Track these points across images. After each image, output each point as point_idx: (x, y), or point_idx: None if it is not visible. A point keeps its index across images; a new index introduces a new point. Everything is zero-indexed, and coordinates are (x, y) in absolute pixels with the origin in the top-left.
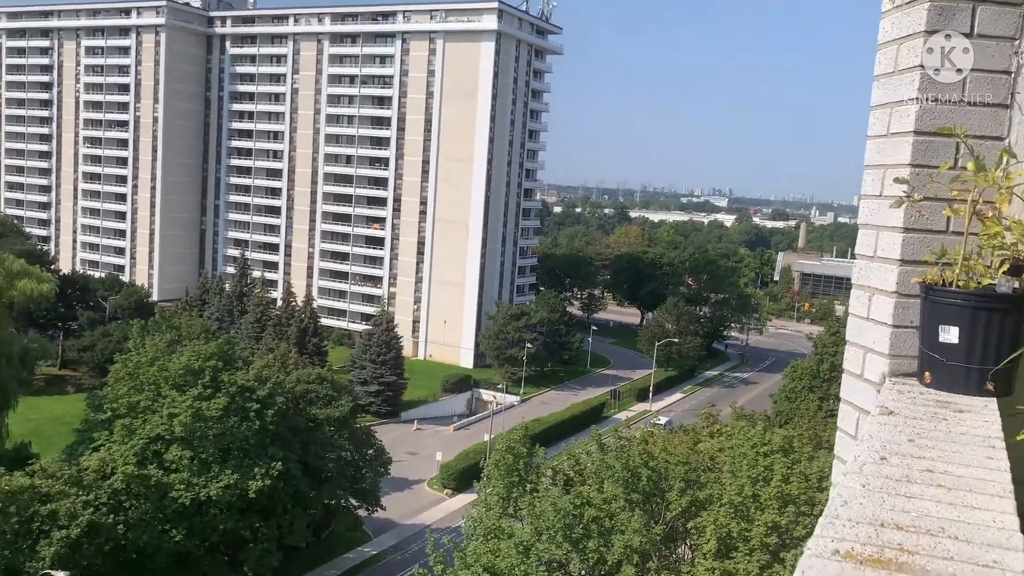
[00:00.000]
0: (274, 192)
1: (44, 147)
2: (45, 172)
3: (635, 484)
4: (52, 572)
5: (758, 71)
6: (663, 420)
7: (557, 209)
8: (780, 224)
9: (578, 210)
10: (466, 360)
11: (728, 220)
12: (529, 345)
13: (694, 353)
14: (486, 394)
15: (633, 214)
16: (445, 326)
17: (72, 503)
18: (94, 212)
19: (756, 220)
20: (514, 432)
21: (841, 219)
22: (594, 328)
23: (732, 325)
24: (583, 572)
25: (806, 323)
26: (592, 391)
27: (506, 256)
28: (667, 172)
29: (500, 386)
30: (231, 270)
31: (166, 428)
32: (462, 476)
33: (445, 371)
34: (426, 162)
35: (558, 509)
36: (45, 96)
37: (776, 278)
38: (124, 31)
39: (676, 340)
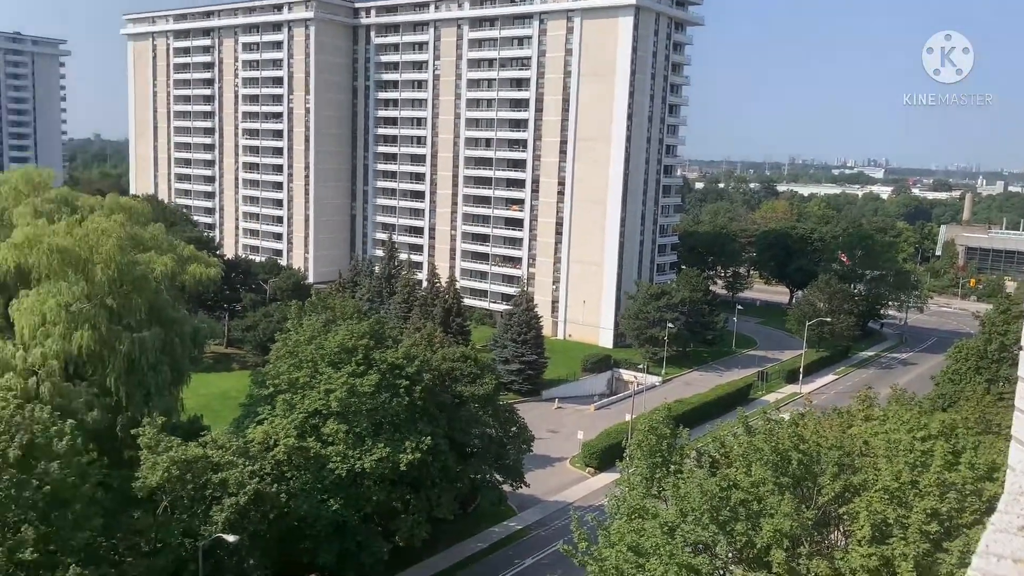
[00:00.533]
0: (418, 177)
1: (208, 140)
2: (209, 164)
3: (785, 468)
4: (224, 535)
5: (912, 32)
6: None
7: (699, 185)
8: (942, 195)
9: (721, 185)
10: (606, 340)
11: (884, 192)
12: (670, 325)
13: (847, 333)
14: (626, 374)
15: (780, 188)
16: (584, 306)
17: (240, 472)
18: (253, 200)
19: (915, 192)
20: (657, 412)
21: (1013, 188)
22: (739, 307)
23: (889, 303)
24: (730, 555)
25: (971, 300)
26: (737, 372)
27: (645, 235)
28: (817, 143)
29: (641, 366)
30: (380, 253)
31: (323, 403)
32: (604, 455)
33: (585, 351)
34: (564, 142)
35: (704, 491)
36: (208, 92)
37: (938, 253)
38: (277, 27)
39: (828, 319)
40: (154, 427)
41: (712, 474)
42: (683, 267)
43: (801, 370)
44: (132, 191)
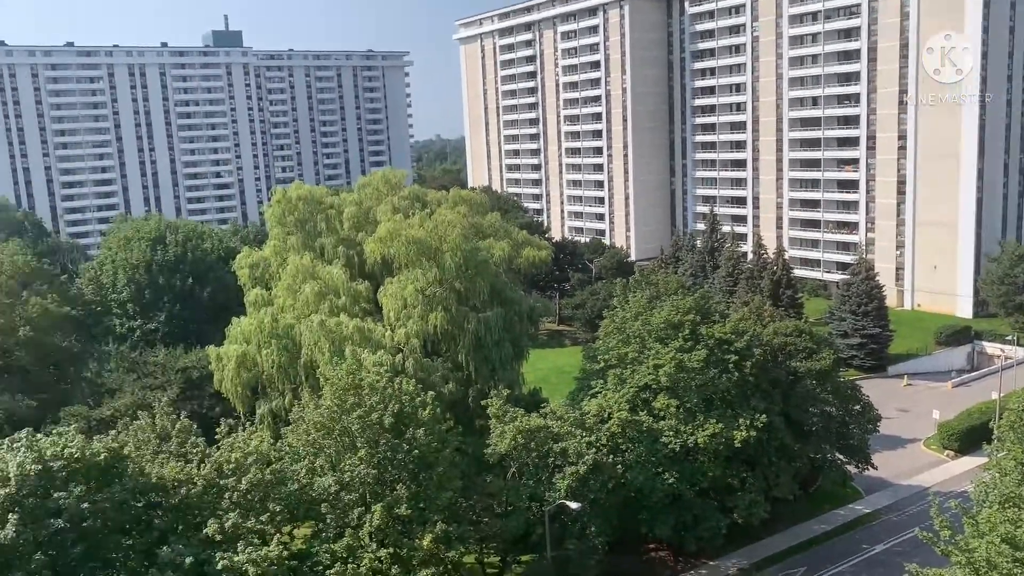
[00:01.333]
0: (738, 145)
1: (533, 130)
2: (535, 152)
3: None
4: (566, 502)
5: None
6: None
7: None
8: None
9: None
10: (963, 309)
11: None
12: None
13: None
14: (990, 347)
15: None
16: (935, 272)
17: (578, 443)
18: (576, 183)
19: None
20: None
21: None
22: None
23: None
24: None
25: None
26: None
27: (1010, 188)
28: None
29: (1009, 338)
30: (701, 227)
31: (652, 378)
32: (966, 437)
33: (938, 322)
34: (903, 92)
35: None
36: (531, 84)
37: None
38: (592, 12)
39: None
40: (500, 399)
41: None
42: None
43: None
44: (469, 184)
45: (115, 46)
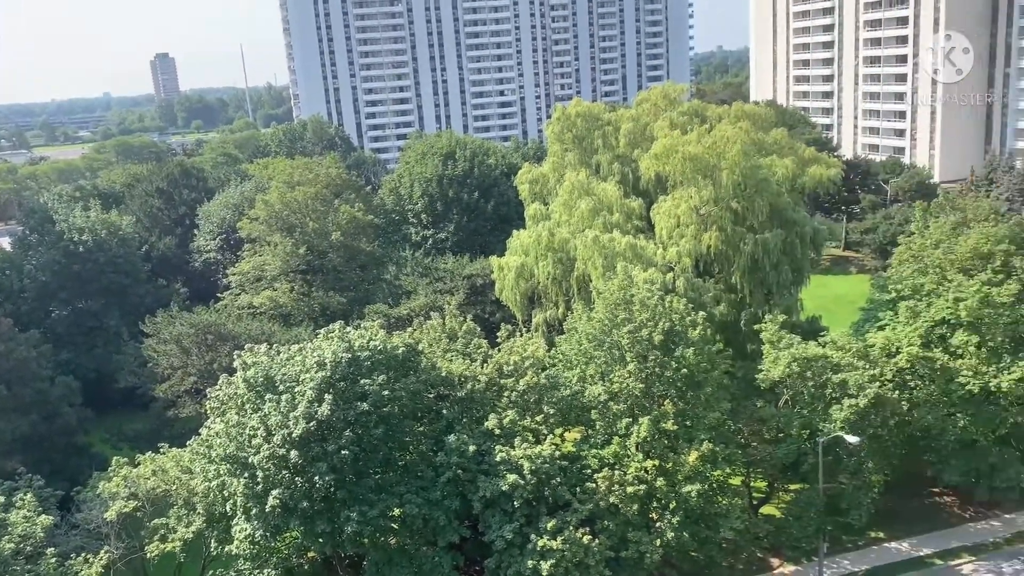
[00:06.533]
0: None
1: (827, 37)
2: (828, 63)
3: None
4: (843, 435)
5: None
6: None
7: None
8: None
9: None
10: None
11: None
12: None
13: None
14: None
15: None
16: None
17: (860, 375)
18: (874, 96)
19: None
20: None
21: None
22: None
23: None
24: None
25: None
26: None
27: None
28: None
29: None
30: (1022, 145)
31: (951, 312)
32: None
33: None
34: None
35: None
36: None
37: None
38: None
39: None
40: (775, 323)
41: None
42: None
43: None
44: (752, 98)
45: None
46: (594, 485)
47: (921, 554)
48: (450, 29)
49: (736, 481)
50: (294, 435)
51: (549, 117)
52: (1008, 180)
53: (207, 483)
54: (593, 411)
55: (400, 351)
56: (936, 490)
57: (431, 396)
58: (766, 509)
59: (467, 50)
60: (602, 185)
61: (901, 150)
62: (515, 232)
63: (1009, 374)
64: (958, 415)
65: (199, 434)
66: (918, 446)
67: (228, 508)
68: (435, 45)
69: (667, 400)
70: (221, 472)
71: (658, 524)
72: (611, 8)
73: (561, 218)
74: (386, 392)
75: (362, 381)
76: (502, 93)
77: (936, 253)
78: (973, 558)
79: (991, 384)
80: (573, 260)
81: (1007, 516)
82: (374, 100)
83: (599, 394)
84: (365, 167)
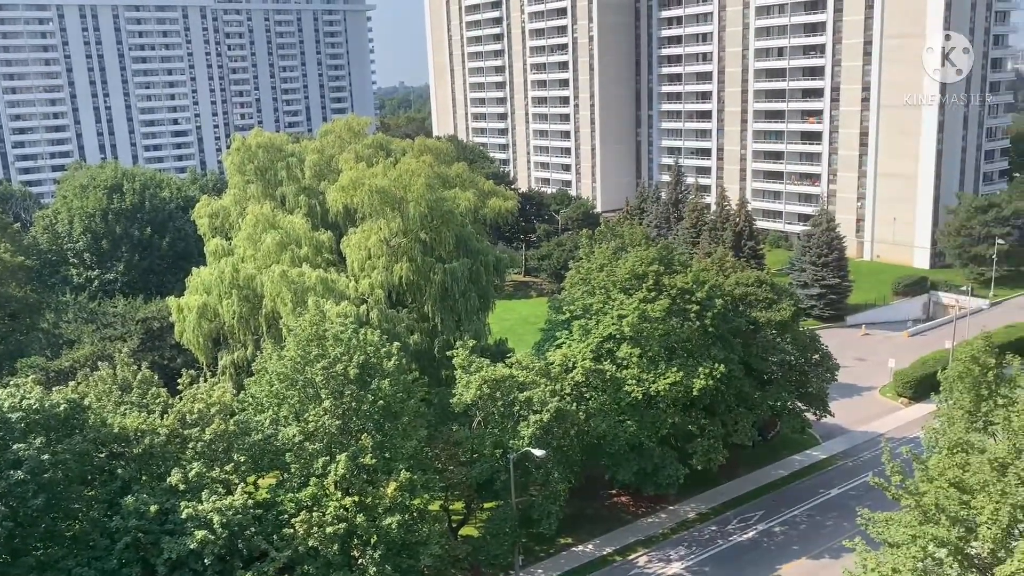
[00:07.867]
0: (704, 96)
1: (499, 78)
2: (501, 101)
3: None
4: (531, 449)
5: None
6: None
7: None
8: None
9: None
10: (920, 260)
11: None
12: (1000, 241)
13: None
14: (946, 297)
15: None
16: (894, 223)
17: (543, 391)
18: (543, 134)
19: None
20: (975, 342)
21: None
22: None
23: None
24: None
25: None
26: None
27: (968, 140)
28: None
29: (964, 288)
30: (666, 178)
31: (616, 328)
32: (920, 385)
33: (896, 273)
34: (868, 43)
35: None
36: (497, 31)
37: None
38: None
39: None
40: (466, 349)
41: None
42: (1016, 175)
43: None
44: (435, 133)
45: None
46: (292, 530)
47: (604, 553)
48: (113, 53)
49: (435, 507)
50: None
51: (229, 148)
52: (656, 209)
53: None
54: (288, 453)
55: (61, 408)
56: (613, 491)
57: (103, 455)
58: (465, 530)
59: (134, 75)
60: (289, 218)
61: (569, 183)
62: (195, 269)
63: (664, 379)
64: (627, 421)
65: None
66: (595, 452)
67: None
68: (95, 69)
69: (364, 434)
70: None
71: (360, 561)
72: (291, 40)
73: (246, 253)
74: (45, 456)
75: (15, 446)
76: (176, 122)
77: (601, 275)
78: (647, 550)
79: (651, 389)
80: (261, 297)
81: (671, 508)
82: (23, 128)
83: (294, 435)
84: (13, 201)
